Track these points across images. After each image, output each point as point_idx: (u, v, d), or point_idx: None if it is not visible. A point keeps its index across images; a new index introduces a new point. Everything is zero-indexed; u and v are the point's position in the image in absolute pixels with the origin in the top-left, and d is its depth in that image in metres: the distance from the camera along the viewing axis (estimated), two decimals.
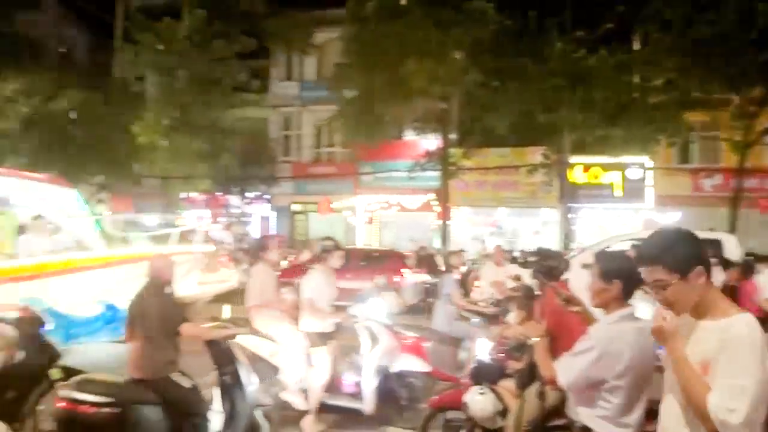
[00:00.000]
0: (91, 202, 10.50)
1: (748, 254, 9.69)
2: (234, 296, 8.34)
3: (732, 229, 14.66)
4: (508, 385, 4.31)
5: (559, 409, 3.38)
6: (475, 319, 7.36)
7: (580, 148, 18.63)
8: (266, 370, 5.19)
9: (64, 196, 9.39)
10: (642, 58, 17.03)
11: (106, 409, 3.69)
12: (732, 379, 1.82)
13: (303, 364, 5.35)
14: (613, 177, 19.75)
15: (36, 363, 4.53)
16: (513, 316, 5.55)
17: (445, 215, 19.13)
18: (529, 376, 3.78)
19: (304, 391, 5.37)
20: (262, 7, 20.24)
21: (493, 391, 4.19)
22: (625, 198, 19.71)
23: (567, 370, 2.69)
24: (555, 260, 4.64)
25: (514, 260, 11.91)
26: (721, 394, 1.82)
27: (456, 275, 8.24)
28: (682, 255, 1.96)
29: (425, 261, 15.40)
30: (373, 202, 22.87)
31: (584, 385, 2.65)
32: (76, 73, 19.57)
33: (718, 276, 5.56)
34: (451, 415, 4.46)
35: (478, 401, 4.07)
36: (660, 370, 2.20)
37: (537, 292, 4.79)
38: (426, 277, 13.82)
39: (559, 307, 3.54)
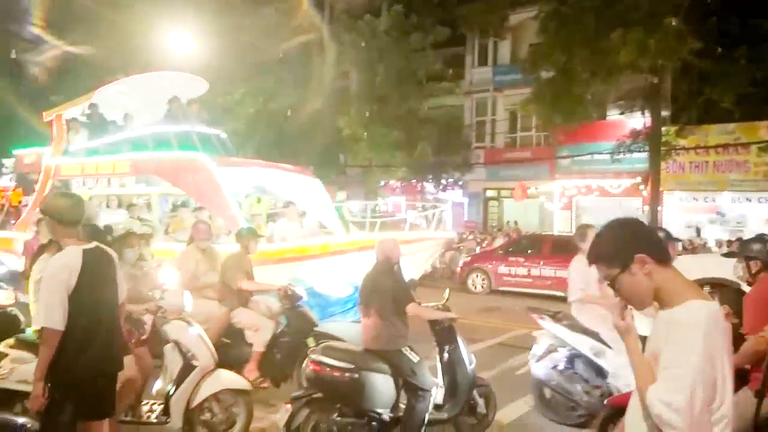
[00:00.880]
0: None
1: None
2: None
3: None
4: None
5: None
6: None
7: None
8: (589, 367, 5.04)
9: (310, 184, 10.22)
10: None
11: (347, 374, 4.10)
12: (669, 369, 1.73)
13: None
14: None
15: (296, 331, 5.43)
16: None
17: (654, 200, 17.42)
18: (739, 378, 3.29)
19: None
20: None
21: None
22: None
23: None
24: None
25: (730, 254, 10.40)
26: (658, 387, 1.74)
27: None
28: (615, 247, 1.88)
29: None
30: (571, 187, 21.79)
31: None
32: (292, 75, 21.80)
33: None
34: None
35: None
36: None
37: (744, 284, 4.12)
38: None
39: None
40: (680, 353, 1.71)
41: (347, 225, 9.92)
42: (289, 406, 4.12)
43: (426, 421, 4.23)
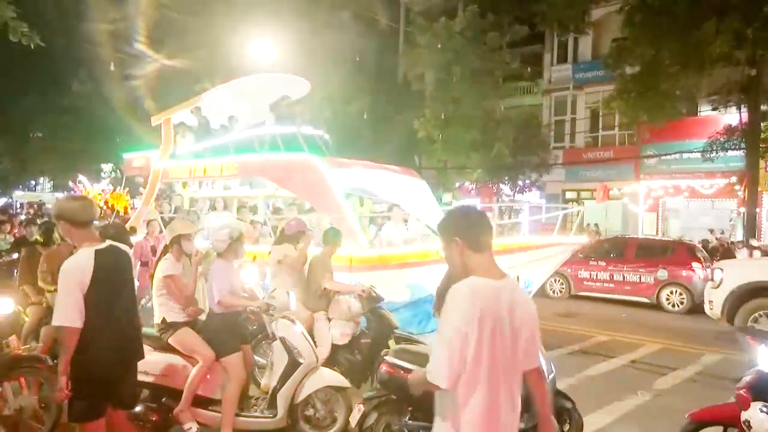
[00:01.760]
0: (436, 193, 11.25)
1: None
2: None
3: None
4: None
5: None
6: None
7: None
8: None
9: (416, 186, 9.91)
10: None
11: None
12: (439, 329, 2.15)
13: None
14: None
15: (376, 333, 5.53)
16: None
17: (751, 201, 16.20)
18: None
19: None
20: None
21: None
22: None
23: None
24: None
25: None
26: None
27: None
28: (444, 228, 2.34)
29: (720, 254, 13.35)
30: (657, 188, 20.69)
31: None
32: (367, 78, 22.11)
33: None
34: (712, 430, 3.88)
35: (765, 420, 3.45)
36: None
37: None
38: None
39: None
40: (443, 324, 2.14)
41: None
42: (361, 406, 4.18)
43: None
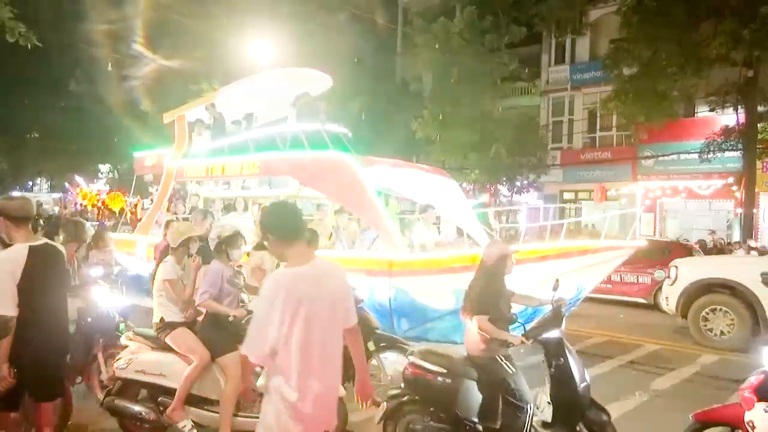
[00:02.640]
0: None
1: None
2: None
3: None
4: None
5: None
6: None
7: None
8: None
9: (447, 186, 9.36)
10: None
11: (439, 378, 4.08)
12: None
13: None
14: None
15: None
16: None
17: (748, 202, 16.26)
18: None
19: None
20: None
21: None
22: None
23: None
24: None
25: None
26: None
27: None
28: (260, 226, 2.80)
29: (717, 254, 13.39)
30: (655, 189, 20.72)
31: None
32: (365, 79, 22.10)
33: None
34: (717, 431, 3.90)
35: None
36: None
37: None
38: None
39: None
40: (255, 303, 2.53)
41: (492, 232, 8.84)
42: (385, 403, 4.20)
43: None
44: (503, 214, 17.84)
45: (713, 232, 17.33)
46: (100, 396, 5.03)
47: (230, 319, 4.43)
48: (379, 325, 5.59)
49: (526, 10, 20.35)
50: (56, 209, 25.62)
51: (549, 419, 4.12)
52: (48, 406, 3.68)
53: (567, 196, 23.43)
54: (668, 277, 9.34)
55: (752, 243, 14.35)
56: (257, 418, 4.43)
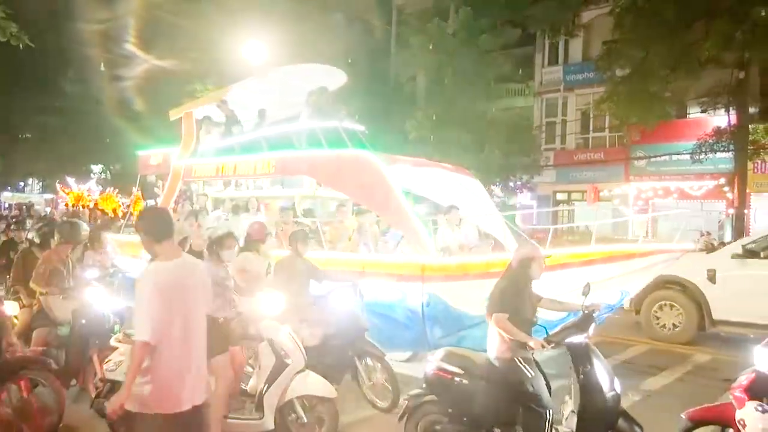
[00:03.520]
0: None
1: None
2: None
3: None
4: None
5: None
6: None
7: None
8: None
9: (471, 186, 9.02)
10: None
11: (456, 379, 4.05)
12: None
13: None
14: None
15: (346, 334, 5.41)
16: None
17: (740, 203, 16.38)
18: None
19: None
20: None
21: None
22: None
23: None
24: None
25: None
26: None
27: None
28: (136, 224, 3.09)
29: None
30: (647, 189, 20.84)
31: None
32: (359, 79, 22.07)
33: None
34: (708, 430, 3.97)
35: (759, 419, 3.51)
36: None
37: None
38: None
39: None
40: (137, 290, 2.81)
41: (518, 235, 8.38)
42: (407, 402, 4.24)
43: None
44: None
45: (707, 233, 17.38)
46: None
47: (220, 320, 4.41)
48: (368, 326, 5.57)
49: (520, 11, 20.40)
50: (48, 210, 25.45)
51: (573, 428, 4.03)
52: None
53: (560, 197, 23.52)
54: None
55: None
56: (247, 420, 4.47)
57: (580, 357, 4.02)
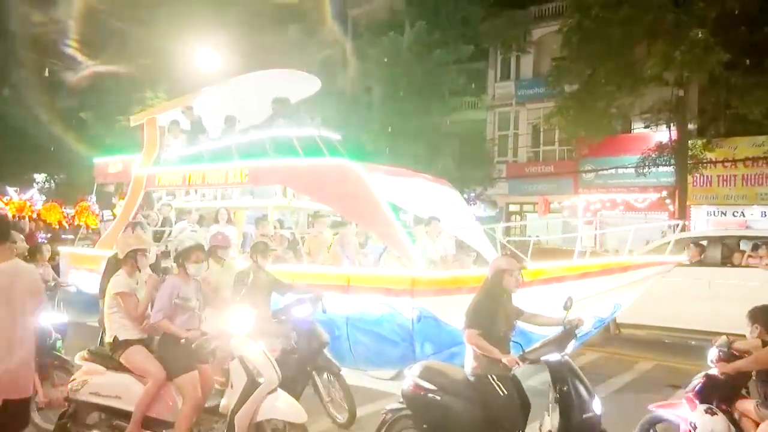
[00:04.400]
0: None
1: None
2: None
3: None
4: (745, 407, 3.82)
5: None
6: None
7: None
8: None
9: (449, 197, 8.87)
10: None
11: (429, 395, 3.92)
12: None
13: None
14: None
15: (305, 348, 5.27)
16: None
17: (681, 215, 17.10)
18: None
19: None
20: (479, 12, 20.46)
21: (726, 412, 3.74)
22: None
23: None
24: None
25: None
26: None
27: None
28: None
29: None
30: (595, 201, 21.52)
31: None
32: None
33: None
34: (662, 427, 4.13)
35: (708, 422, 3.65)
36: None
37: None
38: None
39: None
40: None
41: (498, 247, 8.20)
42: (384, 416, 4.15)
43: None
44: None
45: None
46: (37, 420, 4.77)
47: (182, 341, 4.25)
48: (328, 340, 5.47)
49: (474, 26, 20.85)
50: None
51: None
52: None
53: (512, 208, 24.03)
54: None
55: None
56: None
57: (557, 375, 3.87)
